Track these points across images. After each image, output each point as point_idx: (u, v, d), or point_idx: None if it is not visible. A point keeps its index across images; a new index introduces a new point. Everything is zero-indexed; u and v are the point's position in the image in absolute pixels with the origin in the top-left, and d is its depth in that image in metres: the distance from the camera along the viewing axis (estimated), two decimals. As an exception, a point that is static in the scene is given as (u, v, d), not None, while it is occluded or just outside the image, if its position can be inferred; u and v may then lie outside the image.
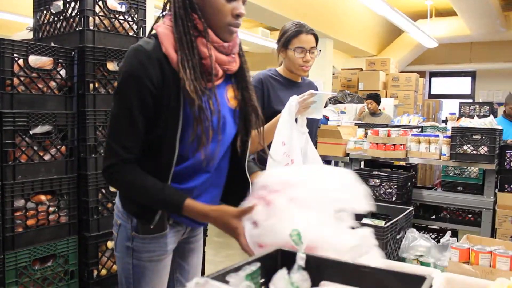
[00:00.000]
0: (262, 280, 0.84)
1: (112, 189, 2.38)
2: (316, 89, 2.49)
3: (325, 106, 5.23)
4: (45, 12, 2.49)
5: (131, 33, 2.46)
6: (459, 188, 4.29)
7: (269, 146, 1.97)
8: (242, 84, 1.39)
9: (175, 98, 1.24)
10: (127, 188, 1.32)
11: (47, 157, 2.17)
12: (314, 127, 2.34)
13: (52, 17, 2.45)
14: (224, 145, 1.38)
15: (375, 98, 6.05)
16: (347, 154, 3.92)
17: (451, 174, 4.73)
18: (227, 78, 1.37)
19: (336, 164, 5.29)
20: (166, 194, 1.26)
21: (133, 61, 1.23)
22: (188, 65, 1.22)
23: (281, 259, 0.95)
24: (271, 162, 1.66)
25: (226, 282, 0.74)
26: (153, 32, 1.30)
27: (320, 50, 2.26)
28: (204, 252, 1.95)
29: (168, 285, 1.51)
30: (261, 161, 1.62)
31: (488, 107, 7.00)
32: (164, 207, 1.31)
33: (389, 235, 1.88)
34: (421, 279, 0.83)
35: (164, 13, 1.33)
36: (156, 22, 1.33)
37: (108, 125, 1.31)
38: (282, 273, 0.78)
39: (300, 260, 0.83)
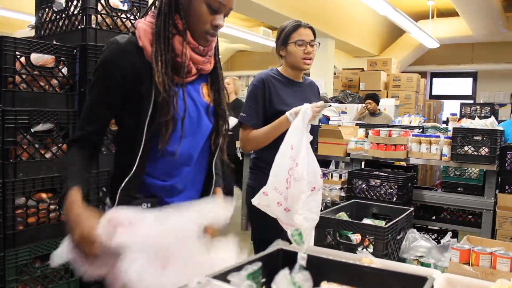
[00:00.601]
0: (264, 280, 0.84)
1: (113, 187, 2.38)
2: (318, 90, 2.50)
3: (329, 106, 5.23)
4: (47, 10, 2.49)
5: (133, 32, 2.46)
6: (459, 189, 4.29)
7: (271, 146, 1.98)
8: (215, 85, 1.44)
9: (147, 89, 1.28)
10: (64, 161, 1.41)
11: (48, 155, 2.17)
12: (315, 132, 2.36)
13: (54, 15, 2.45)
14: (201, 139, 1.41)
15: (374, 98, 6.05)
16: (348, 154, 3.92)
17: (451, 175, 4.73)
18: (203, 77, 1.42)
19: (337, 164, 5.29)
20: (72, 171, 1.33)
21: (106, 53, 1.31)
22: (161, 58, 1.27)
23: (282, 258, 0.95)
24: (277, 163, 1.69)
25: (228, 282, 0.75)
26: (133, 27, 1.37)
27: (319, 43, 2.27)
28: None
29: None
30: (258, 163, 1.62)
31: (489, 108, 7.00)
32: (64, 180, 1.36)
33: (389, 235, 1.88)
34: (422, 280, 0.83)
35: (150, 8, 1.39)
36: (139, 17, 1.39)
37: (85, 103, 1.38)
38: (284, 273, 0.78)
39: (302, 260, 0.83)
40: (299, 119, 1.84)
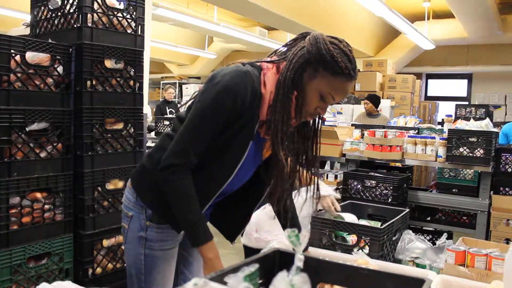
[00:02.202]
0: (261, 281, 0.84)
1: (108, 187, 2.37)
2: None
3: None
4: (42, 8, 2.47)
5: (129, 31, 2.45)
6: (454, 190, 4.31)
7: None
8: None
9: (248, 132, 1.33)
10: (174, 193, 1.34)
11: (43, 154, 2.16)
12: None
13: (50, 13, 2.43)
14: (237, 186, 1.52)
15: (371, 98, 6.04)
16: (344, 155, 3.92)
17: (446, 176, 4.74)
18: None
19: (332, 165, 5.29)
20: (199, 221, 1.33)
21: (238, 80, 1.30)
22: (281, 128, 1.31)
23: (279, 260, 0.94)
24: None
25: (225, 283, 0.74)
26: (258, 65, 1.37)
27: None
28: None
29: (174, 278, 1.55)
30: None
31: (484, 110, 7.02)
32: (189, 230, 1.35)
33: (385, 236, 1.88)
34: (419, 282, 0.83)
35: (280, 57, 1.39)
36: (265, 60, 1.40)
37: (189, 125, 1.32)
38: (282, 275, 0.77)
39: (298, 261, 0.83)
40: None
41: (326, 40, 1.31)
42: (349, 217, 2.03)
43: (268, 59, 1.41)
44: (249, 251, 2.21)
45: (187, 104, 1.43)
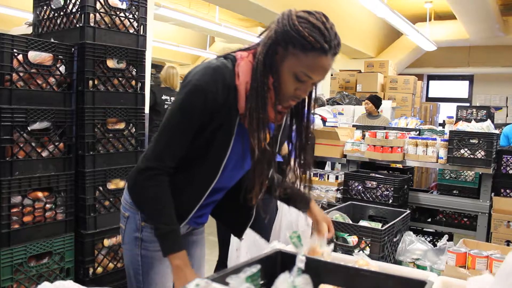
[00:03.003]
0: (262, 282, 0.84)
1: (110, 187, 2.38)
2: None
3: (321, 105, 5.22)
4: (45, 7, 2.48)
5: (131, 31, 2.45)
6: (455, 192, 4.31)
7: None
8: (275, 134, 1.41)
9: (227, 129, 1.28)
10: (148, 199, 1.32)
11: (45, 154, 2.16)
12: None
13: (53, 12, 2.44)
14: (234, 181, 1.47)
15: (372, 99, 6.03)
16: (344, 156, 3.92)
17: (447, 178, 4.74)
18: None
19: (333, 165, 5.29)
20: (171, 232, 1.29)
21: (207, 78, 1.24)
22: (257, 116, 1.24)
23: (281, 261, 0.95)
24: None
25: (226, 284, 0.74)
26: (233, 56, 1.31)
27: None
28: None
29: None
30: None
31: (485, 111, 7.02)
32: (159, 238, 1.32)
33: (386, 237, 1.89)
34: (420, 284, 0.83)
35: (255, 45, 1.32)
36: (242, 49, 1.34)
37: (163, 128, 1.30)
38: (284, 276, 0.77)
39: (300, 262, 0.83)
40: None
41: (293, 15, 1.21)
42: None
43: (246, 46, 1.35)
44: None
45: None
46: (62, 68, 2.24)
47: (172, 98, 4.69)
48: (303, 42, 1.18)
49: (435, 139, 3.48)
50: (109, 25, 2.35)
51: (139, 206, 1.39)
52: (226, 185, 1.45)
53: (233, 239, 2.40)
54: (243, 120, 1.29)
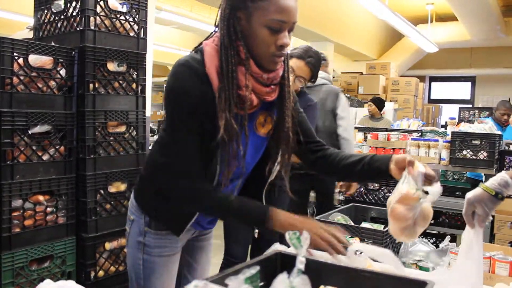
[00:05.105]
0: (262, 284, 0.83)
1: (111, 190, 2.37)
2: None
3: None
4: (46, 11, 2.48)
5: (132, 34, 2.45)
6: (457, 193, 4.29)
7: None
8: (279, 113, 1.36)
9: (212, 118, 1.24)
10: (210, 205, 1.29)
11: (45, 157, 2.16)
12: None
13: (53, 16, 2.44)
14: (247, 169, 1.39)
15: (375, 101, 6.03)
16: (347, 158, 3.90)
17: (449, 179, 4.73)
18: (262, 106, 1.34)
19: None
20: (243, 207, 1.25)
21: (180, 76, 1.24)
22: (224, 95, 1.21)
23: (280, 262, 0.94)
24: None
25: (225, 285, 0.74)
26: (200, 47, 1.30)
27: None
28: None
29: (177, 281, 1.53)
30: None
31: (487, 112, 7.02)
32: (247, 220, 1.29)
33: (388, 239, 1.87)
34: (422, 284, 0.82)
35: (216, 29, 1.31)
36: (207, 38, 1.32)
37: (171, 142, 1.29)
38: (282, 277, 0.77)
39: (300, 264, 0.83)
40: None
41: None
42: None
43: (210, 34, 1.34)
44: None
45: None
46: (63, 72, 2.24)
47: None
48: None
49: (437, 140, 3.47)
50: (110, 28, 2.35)
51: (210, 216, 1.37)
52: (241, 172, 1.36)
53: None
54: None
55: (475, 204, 1.25)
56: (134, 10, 2.46)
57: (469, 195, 1.26)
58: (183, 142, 1.26)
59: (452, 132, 3.46)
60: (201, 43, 1.32)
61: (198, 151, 1.26)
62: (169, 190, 1.33)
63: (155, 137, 6.11)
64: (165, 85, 1.30)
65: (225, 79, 1.22)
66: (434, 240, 3.38)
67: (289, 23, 1.22)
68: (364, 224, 2.12)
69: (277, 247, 1.34)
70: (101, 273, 2.34)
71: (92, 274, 2.31)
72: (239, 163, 1.28)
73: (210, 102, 1.23)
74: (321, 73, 2.78)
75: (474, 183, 4.51)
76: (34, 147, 2.12)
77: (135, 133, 2.49)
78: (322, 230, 1.18)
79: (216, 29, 1.30)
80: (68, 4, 2.34)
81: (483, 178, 4.15)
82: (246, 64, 1.23)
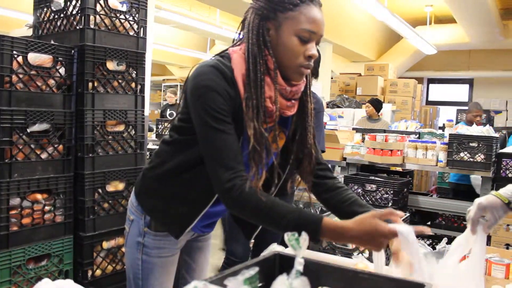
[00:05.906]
0: (261, 285, 0.84)
1: (109, 189, 2.37)
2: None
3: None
4: (45, 9, 2.48)
5: (131, 33, 2.45)
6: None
7: None
8: (301, 130, 1.35)
9: (238, 123, 1.22)
10: (255, 208, 1.19)
11: (44, 156, 2.16)
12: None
13: (53, 14, 2.44)
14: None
15: (373, 102, 6.04)
16: (344, 159, 3.92)
17: (447, 181, 4.74)
18: (278, 120, 1.32)
19: (333, 168, 5.29)
20: (298, 218, 1.15)
21: (211, 75, 1.21)
22: (252, 104, 1.20)
23: (279, 263, 0.94)
24: None
25: (224, 286, 0.74)
26: (226, 53, 1.29)
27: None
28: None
29: (175, 281, 1.53)
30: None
31: (485, 115, 7.03)
32: (297, 228, 1.10)
33: (385, 241, 1.88)
34: (419, 286, 0.83)
35: (240, 35, 1.31)
36: (233, 45, 1.32)
37: (207, 144, 1.22)
38: (282, 279, 0.77)
39: (299, 265, 0.83)
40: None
41: None
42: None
43: (236, 42, 1.34)
44: None
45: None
46: (62, 70, 2.24)
47: None
48: (288, 1, 1.20)
49: (434, 142, 3.48)
50: (109, 27, 2.35)
51: (257, 222, 1.29)
52: None
53: None
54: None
55: (486, 210, 1.24)
56: (134, 9, 2.46)
57: (481, 200, 1.26)
58: (222, 135, 1.21)
59: (449, 134, 3.47)
60: (225, 50, 1.31)
61: (236, 144, 1.21)
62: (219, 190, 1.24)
63: (153, 136, 6.13)
64: (182, 85, 1.25)
65: (252, 88, 1.21)
66: (430, 241, 3.39)
67: (317, 34, 1.23)
68: (362, 226, 2.12)
69: (275, 247, 1.35)
70: (98, 272, 2.34)
71: (90, 273, 2.31)
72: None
73: (237, 107, 1.22)
74: None
75: (456, 187, 4.52)
76: (32, 146, 2.11)
77: (133, 132, 2.49)
78: (381, 239, 1.12)
79: (241, 37, 1.30)
80: (68, 3, 2.34)
81: (471, 180, 4.15)
82: (274, 73, 1.23)
